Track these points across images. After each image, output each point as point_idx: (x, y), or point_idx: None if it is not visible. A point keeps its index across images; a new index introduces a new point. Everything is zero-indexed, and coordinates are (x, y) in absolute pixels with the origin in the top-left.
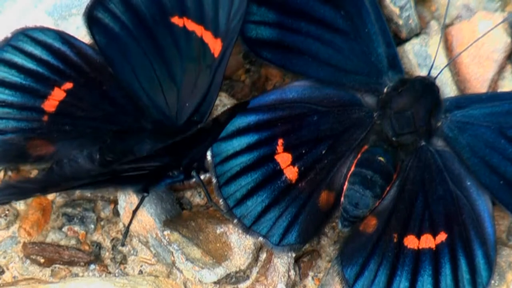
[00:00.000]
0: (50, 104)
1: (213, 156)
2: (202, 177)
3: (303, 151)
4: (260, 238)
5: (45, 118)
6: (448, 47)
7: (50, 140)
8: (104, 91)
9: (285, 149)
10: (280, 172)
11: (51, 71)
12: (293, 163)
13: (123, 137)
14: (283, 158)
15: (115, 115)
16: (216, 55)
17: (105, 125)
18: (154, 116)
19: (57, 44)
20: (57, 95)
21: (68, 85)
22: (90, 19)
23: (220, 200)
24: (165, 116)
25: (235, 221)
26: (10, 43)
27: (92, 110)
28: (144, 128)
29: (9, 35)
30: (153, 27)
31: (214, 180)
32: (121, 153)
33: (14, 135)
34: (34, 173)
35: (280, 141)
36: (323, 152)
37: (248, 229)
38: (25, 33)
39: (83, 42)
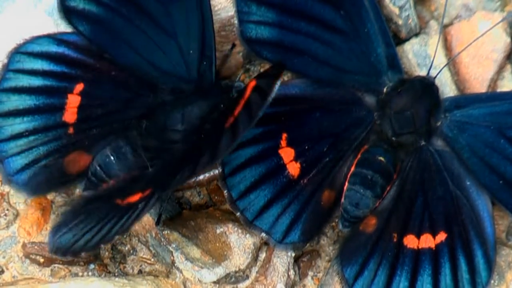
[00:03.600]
0: (70, 113)
1: None
2: (201, 177)
3: (306, 147)
4: (263, 234)
5: (71, 130)
6: (447, 47)
7: (84, 149)
8: (114, 78)
9: (288, 144)
10: (283, 167)
11: (58, 80)
12: (295, 159)
13: (153, 117)
14: (286, 153)
15: (133, 99)
16: None
17: (129, 113)
18: (168, 84)
19: (53, 49)
20: (73, 101)
21: (80, 87)
22: (66, 11)
23: (225, 192)
24: (177, 78)
25: (238, 214)
26: (9, 69)
27: (110, 103)
28: (165, 101)
29: (5, 60)
30: None
31: (219, 170)
32: (158, 132)
33: (49, 158)
34: None
35: (284, 136)
36: (325, 150)
37: (250, 223)
38: (19, 52)
39: (75, 34)
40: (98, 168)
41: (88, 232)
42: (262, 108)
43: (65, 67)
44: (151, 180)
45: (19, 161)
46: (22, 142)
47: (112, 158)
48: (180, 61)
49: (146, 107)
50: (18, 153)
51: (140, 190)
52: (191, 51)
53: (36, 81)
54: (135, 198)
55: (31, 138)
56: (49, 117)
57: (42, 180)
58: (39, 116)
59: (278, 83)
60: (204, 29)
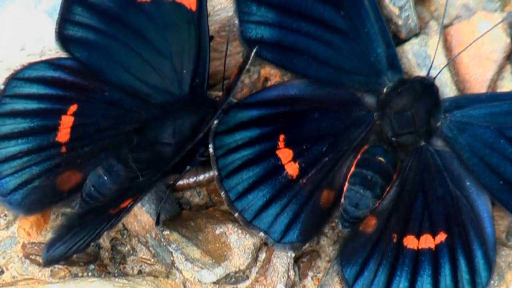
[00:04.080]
0: (63, 133)
1: (215, 149)
2: (201, 177)
3: (304, 148)
4: (261, 234)
5: (63, 149)
6: (447, 47)
7: (76, 168)
8: (107, 97)
9: (286, 145)
10: (281, 167)
11: (53, 102)
12: (294, 159)
13: (143, 132)
14: (284, 154)
15: (125, 116)
16: (193, 8)
17: (120, 129)
18: (159, 100)
19: (49, 73)
20: (66, 122)
21: (73, 108)
22: (64, 40)
23: (222, 193)
24: (169, 94)
25: (236, 214)
26: (6, 94)
27: (102, 120)
28: (156, 116)
29: (2, 86)
30: (124, 15)
31: (215, 173)
32: (149, 147)
33: (41, 178)
34: None
35: (282, 137)
36: (324, 150)
37: (248, 223)
38: (16, 78)
39: (71, 59)
40: (92, 188)
41: (80, 240)
42: (237, 81)
43: (60, 90)
44: (142, 187)
45: (12, 182)
46: (15, 163)
47: (105, 178)
48: (174, 79)
49: (137, 122)
50: (12, 174)
51: (131, 196)
52: (185, 71)
53: (32, 105)
54: (126, 204)
55: (25, 159)
56: (42, 138)
57: (35, 199)
58: (33, 137)
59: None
60: (200, 52)
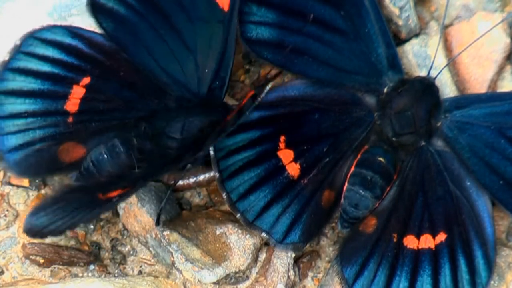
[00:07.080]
0: (72, 103)
1: (215, 151)
2: (201, 177)
3: (305, 149)
4: (263, 234)
5: (70, 119)
6: (447, 48)
7: (80, 141)
8: (122, 77)
9: (287, 146)
10: (283, 168)
11: (66, 70)
12: (295, 160)
13: (154, 121)
14: (285, 155)
15: (137, 100)
16: (226, 8)
17: (130, 113)
18: (176, 93)
19: (67, 40)
20: (77, 93)
21: (86, 80)
22: (94, 6)
23: (223, 195)
24: (186, 89)
25: (238, 215)
26: (21, 50)
27: (114, 100)
28: (169, 108)
29: (18, 41)
30: None
31: (217, 175)
32: (155, 137)
33: (44, 143)
34: None
35: (282, 138)
36: (324, 150)
37: (250, 223)
38: (34, 36)
39: (92, 31)
40: (91, 164)
41: (61, 219)
42: (250, 107)
43: (75, 59)
44: (135, 180)
45: (14, 140)
46: (19, 122)
47: (105, 156)
48: (194, 75)
49: (149, 110)
50: (14, 132)
51: (122, 187)
52: (207, 70)
53: (45, 67)
54: (115, 193)
55: (30, 120)
56: (51, 103)
57: (33, 163)
58: (41, 100)
59: (269, 85)
60: (225, 53)
